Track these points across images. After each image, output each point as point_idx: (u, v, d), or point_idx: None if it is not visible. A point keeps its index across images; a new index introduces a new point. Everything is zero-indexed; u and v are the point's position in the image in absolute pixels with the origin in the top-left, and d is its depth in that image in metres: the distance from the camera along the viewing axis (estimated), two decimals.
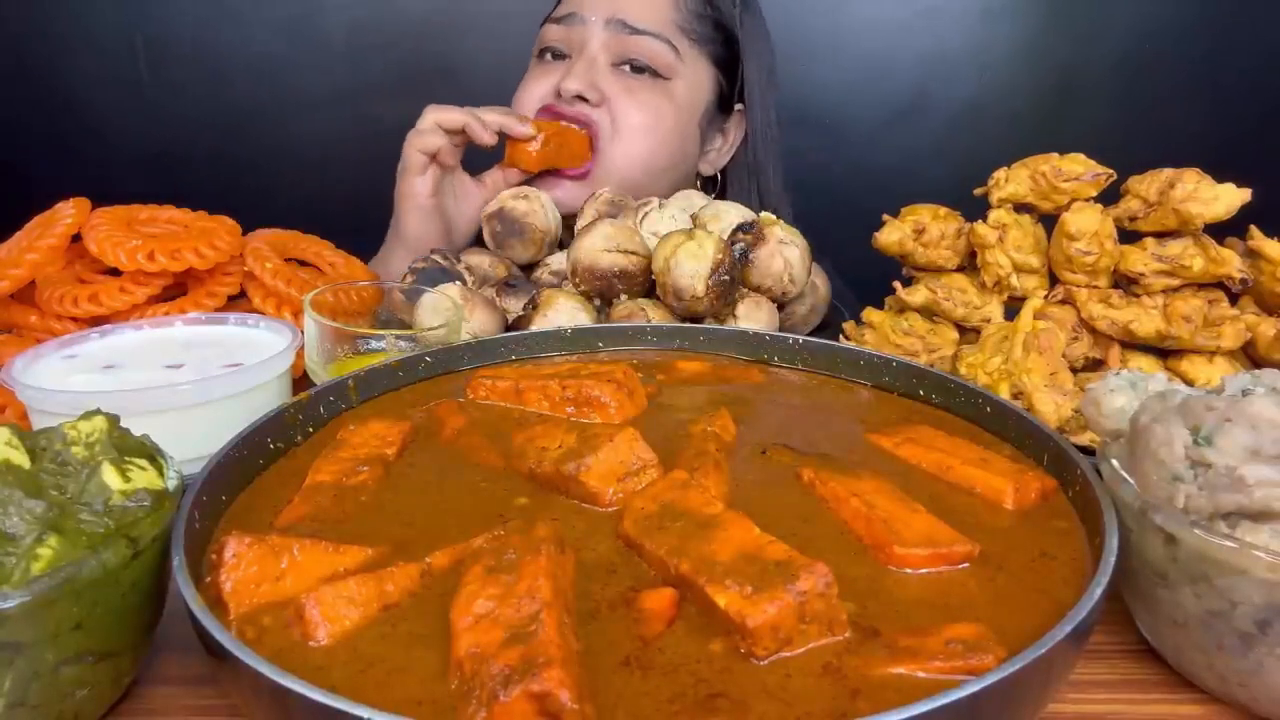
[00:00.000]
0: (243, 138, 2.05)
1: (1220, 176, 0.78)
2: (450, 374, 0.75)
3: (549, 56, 1.31)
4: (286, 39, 2.10)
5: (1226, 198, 0.77)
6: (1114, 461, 0.54)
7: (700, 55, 1.32)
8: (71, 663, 0.45)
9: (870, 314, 0.90)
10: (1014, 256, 0.83)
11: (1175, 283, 0.80)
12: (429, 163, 1.15)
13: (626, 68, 1.27)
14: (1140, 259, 0.80)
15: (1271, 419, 0.48)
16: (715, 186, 1.42)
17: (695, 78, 1.32)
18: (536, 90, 1.28)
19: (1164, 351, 0.81)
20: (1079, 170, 0.82)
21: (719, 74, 1.35)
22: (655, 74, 1.28)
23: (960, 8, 2.11)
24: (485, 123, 1.15)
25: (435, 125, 1.14)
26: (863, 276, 1.33)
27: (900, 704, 0.37)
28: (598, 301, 0.96)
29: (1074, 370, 0.82)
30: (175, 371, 0.77)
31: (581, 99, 1.23)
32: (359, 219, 1.34)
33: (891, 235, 0.87)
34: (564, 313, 0.90)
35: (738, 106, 1.39)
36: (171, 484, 0.51)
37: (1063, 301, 0.83)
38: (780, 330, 0.92)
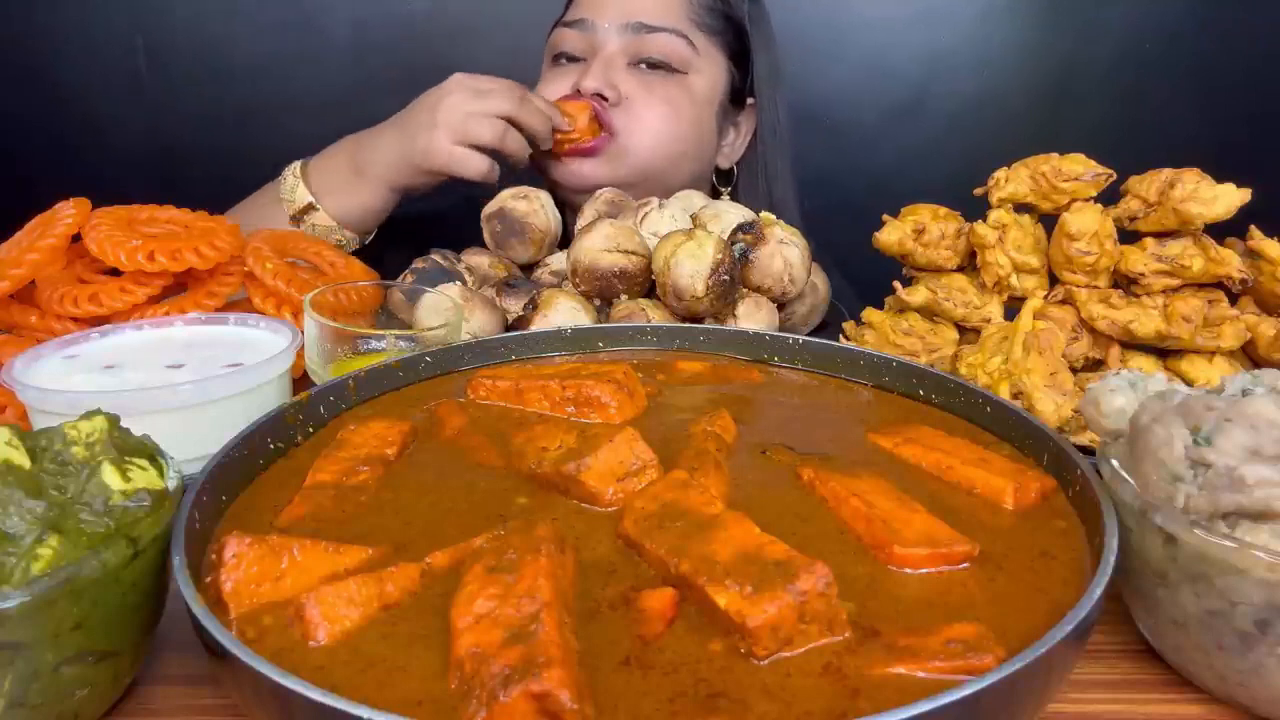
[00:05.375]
0: (244, 138, 2.05)
1: (1220, 176, 0.78)
2: (450, 374, 0.75)
3: (563, 60, 1.33)
4: (288, 39, 2.10)
5: (1226, 198, 0.77)
6: (1114, 461, 0.54)
7: (713, 47, 1.34)
8: (71, 663, 0.45)
9: (870, 314, 0.90)
10: (1014, 256, 0.83)
11: (1175, 283, 0.80)
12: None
13: (643, 65, 1.29)
14: (1140, 259, 0.80)
15: (1271, 419, 0.49)
16: (732, 180, 1.44)
17: (710, 70, 1.34)
18: (554, 94, 1.29)
19: (1164, 351, 0.81)
20: (1079, 170, 0.82)
21: (731, 66, 1.37)
22: (671, 69, 1.29)
23: (960, 7, 2.11)
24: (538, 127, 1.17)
25: (499, 122, 1.14)
26: (863, 276, 1.34)
27: (900, 704, 0.37)
28: (598, 301, 0.96)
29: (1074, 370, 0.82)
30: (175, 371, 0.77)
31: (600, 97, 1.25)
32: None
33: (891, 235, 0.87)
34: (564, 313, 0.90)
35: (749, 101, 1.40)
36: (171, 484, 0.51)
37: (1063, 301, 0.83)
38: (780, 330, 0.92)
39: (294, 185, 1.21)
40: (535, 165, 1.32)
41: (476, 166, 1.15)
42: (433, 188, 1.22)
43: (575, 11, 1.32)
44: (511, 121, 1.15)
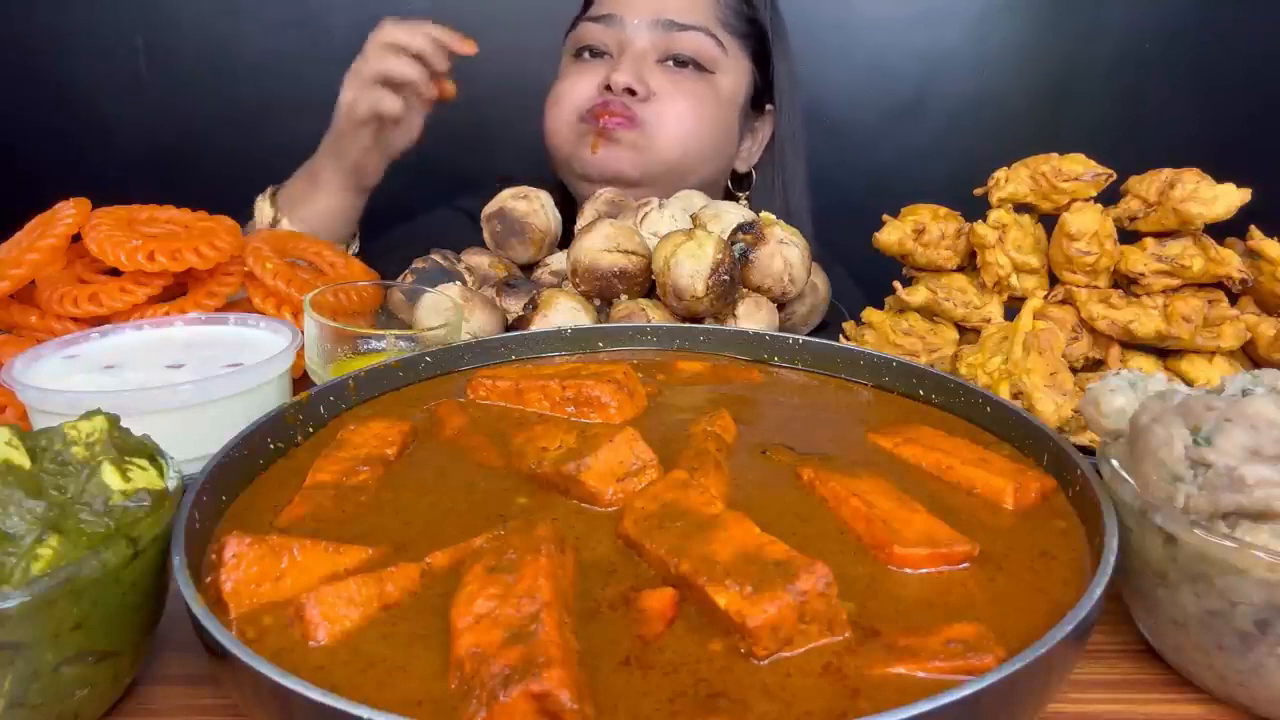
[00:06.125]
0: (244, 138, 2.05)
1: (1220, 176, 0.78)
2: (450, 374, 0.75)
3: (587, 55, 1.33)
4: (289, 39, 2.10)
5: (1226, 198, 0.77)
6: (1114, 461, 0.54)
7: (738, 49, 1.35)
8: (71, 663, 0.45)
9: (870, 314, 0.90)
10: (1014, 256, 0.83)
11: (1175, 283, 0.80)
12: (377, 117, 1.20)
13: (670, 62, 1.29)
14: (1140, 259, 0.80)
15: (1271, 419, 0.49)
16: (749, 183, 1.44)
17: (736, 71, 1.35)
18: (580, 87, 1.29)
19: (1164, 351, 0.81)
20: (1079, 170, 0.82)
21: (754, 70, 1.37)
22: (699, 67, 1.30)
23: (960, 7, 2.11)
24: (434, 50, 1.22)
25: (388, 75, 1.19)
26: (863, 276, 1.34)
27: (900, 704, 0.37)
28: (598, 301, 0.96)
29: (1074, 370, 0.82)
30: (175, 371, 0.77)
31: (630, 92, 1.25)
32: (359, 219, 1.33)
33: (891, 235, 0.87)
34: (564, 313, 0.90)
35: (768, 107, 1.41)
36: (171, 484, 0.51)
37: (1063, 301, 0.83)
38: (780, 330, 0.92)
39: (260, 207, 1.27)
40: (558, 158, 1.32)
41: (389, 104, 1.19)
42: (380, 161, 1.26)
43: (601, 7, 1.32)
44: (420, 58, 1.21)
